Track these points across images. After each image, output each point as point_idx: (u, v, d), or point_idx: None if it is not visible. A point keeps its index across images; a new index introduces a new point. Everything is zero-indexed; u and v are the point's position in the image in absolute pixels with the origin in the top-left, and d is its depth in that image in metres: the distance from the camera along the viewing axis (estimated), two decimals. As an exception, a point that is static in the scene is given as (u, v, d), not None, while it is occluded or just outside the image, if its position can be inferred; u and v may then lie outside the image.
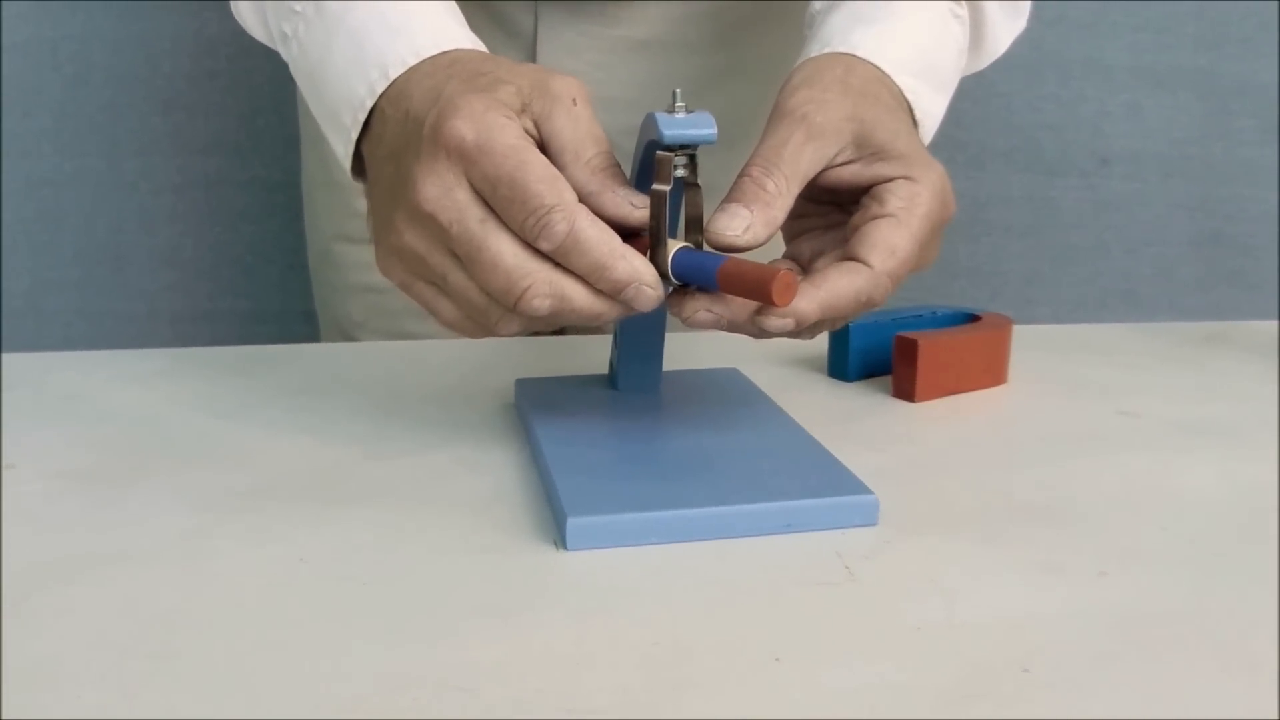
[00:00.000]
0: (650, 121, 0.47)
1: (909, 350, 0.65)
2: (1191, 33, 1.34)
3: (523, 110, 0.48)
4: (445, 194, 0.46)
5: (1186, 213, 1.39)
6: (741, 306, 0.47)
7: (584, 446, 0.52)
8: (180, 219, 1.34)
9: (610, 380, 0.62)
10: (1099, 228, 1.39)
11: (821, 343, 0.71)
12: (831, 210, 0.54)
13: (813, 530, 0.46)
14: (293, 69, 0.58)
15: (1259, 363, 0.73)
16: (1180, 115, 1.36)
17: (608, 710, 0.34)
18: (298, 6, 0.56)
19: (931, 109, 0.59)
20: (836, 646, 0.38)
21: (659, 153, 0.47)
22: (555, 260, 0.46)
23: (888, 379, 0.67)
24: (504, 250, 0.46)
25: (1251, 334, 0.80)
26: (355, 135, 0.53)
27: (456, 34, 0.53)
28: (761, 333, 0.48)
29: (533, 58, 0.79)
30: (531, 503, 0.49)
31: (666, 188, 0.47)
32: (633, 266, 0.45)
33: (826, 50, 0.57)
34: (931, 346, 0.65)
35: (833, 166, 0.51)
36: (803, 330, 0.49)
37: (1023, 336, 0.70)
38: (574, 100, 0.48)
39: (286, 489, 0.51)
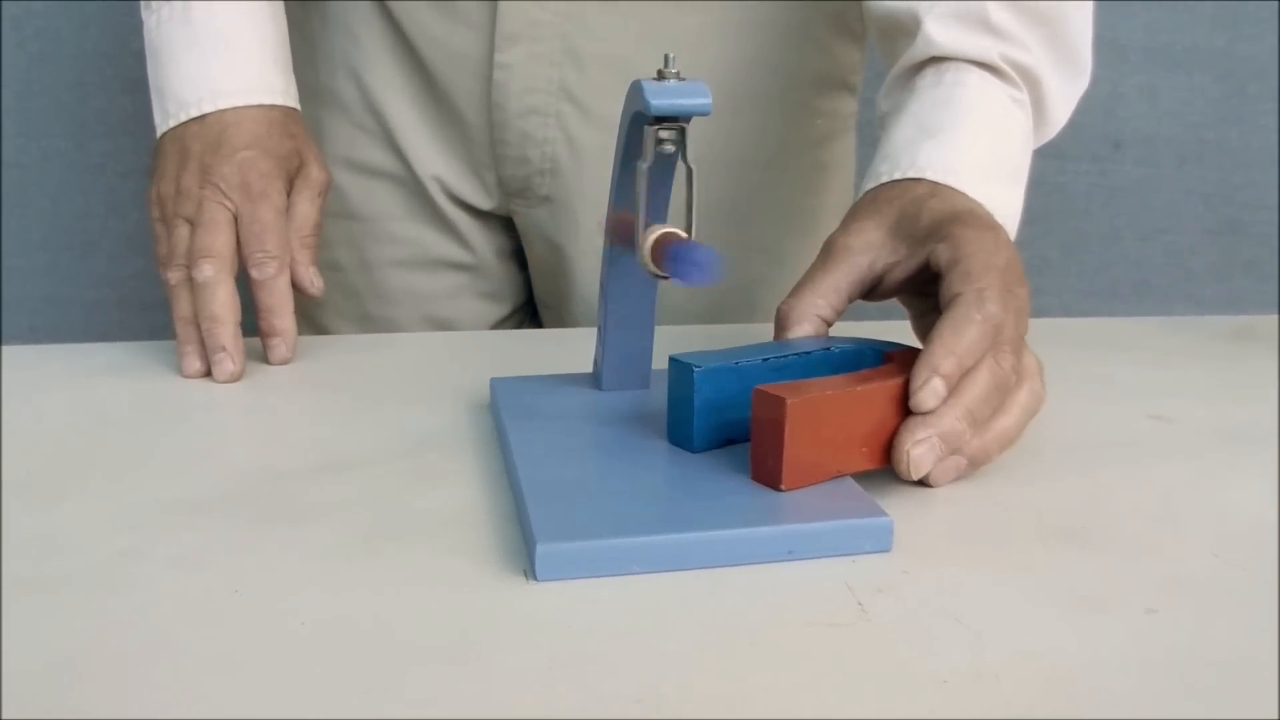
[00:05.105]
0: (636, 91, 0.42)
1: (773, 411, 0.43)
2: (1209, 12, 1.28)
3: (288, 177, 0.67)
4: (226, 184, 0.64)
5: (1202, 199, 1.34)
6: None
7: (561, 459, 0.47)
8: (150, 203, 1.28)
9: (595, 379, 0.57)
10: (1110, 214, 1.34)
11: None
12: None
13: (818, 557, 0.40)
14: (145, 30, 0.69)
15: (1296, 361, 0.68)
16: (1196, 98, 1.31)
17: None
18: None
19: (1009, 208, 0.60)
20: (851, 705, 0.32)
21: (645, 126, 0.42)
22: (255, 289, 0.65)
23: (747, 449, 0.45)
24: (223, 238, 0.64)
25: (1284, 329, 0.75)
26: (171, 125, 0.68)
27: (276, 86, 0.69)
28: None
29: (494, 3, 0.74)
30: (501, 523, 0.44)
31: (647, 164, 0.41)
32: (222, 343, 0.62)
33: (897, 175, 0.58)
34: (807, 407, 0.43)
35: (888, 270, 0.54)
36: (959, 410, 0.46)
37: (1035, 330, 0.64)
38: (319, 194, 0.69)
39: (230, 504, 0.46)
